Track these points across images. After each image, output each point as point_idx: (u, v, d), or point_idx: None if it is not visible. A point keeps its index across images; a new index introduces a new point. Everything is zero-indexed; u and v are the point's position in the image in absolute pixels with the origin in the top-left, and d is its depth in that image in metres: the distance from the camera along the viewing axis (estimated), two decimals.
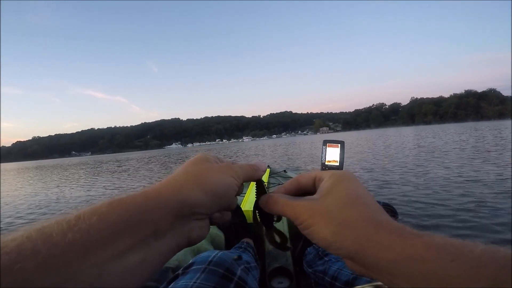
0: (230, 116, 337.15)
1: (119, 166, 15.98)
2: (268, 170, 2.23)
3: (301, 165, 7.44)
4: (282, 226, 1.07)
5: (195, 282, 0.47)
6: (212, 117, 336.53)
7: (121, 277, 0.19)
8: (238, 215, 1.06)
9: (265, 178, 1.83)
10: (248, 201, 1.28)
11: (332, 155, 1.28)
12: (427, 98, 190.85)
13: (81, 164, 28.47)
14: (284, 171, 2.35)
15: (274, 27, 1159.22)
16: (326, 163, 1.28)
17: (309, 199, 0.27)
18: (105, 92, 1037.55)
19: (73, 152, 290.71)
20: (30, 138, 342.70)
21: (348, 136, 39.30)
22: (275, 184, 1.79)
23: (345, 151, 1.28)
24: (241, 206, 1.12)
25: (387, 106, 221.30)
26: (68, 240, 0.17)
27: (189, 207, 0.23)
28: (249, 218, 1.12)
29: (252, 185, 1.60)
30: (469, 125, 41.65)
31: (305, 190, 0.30)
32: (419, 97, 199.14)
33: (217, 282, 0.49)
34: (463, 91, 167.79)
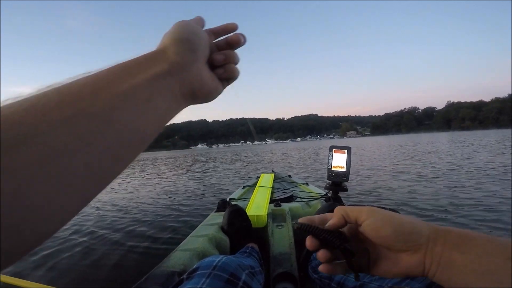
0: (254, 118, 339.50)
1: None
2: (272, 175, 2.26)
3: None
4: (287, 231, 1.07)
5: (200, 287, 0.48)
6: (236, 119, 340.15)
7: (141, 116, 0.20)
8: (243, 220, 1.08)
9: (269, 182, 1.84)
10: (253, 206, 1.28)
11: (339, 160, 1.24)
12: (465, 102, 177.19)
13: None
14: (289, 176, 2.34)
15: (302, 28, 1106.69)
16: (333, 169, 1.25)
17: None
18: None
19: None
20: None
21: (374, 141, 36.76)
22: (280, 189, 1.78)
23: (351, 157, 1.24)
24: (246, 211, 1.13)
25: (420, 110, 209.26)
26: (80, 82, 0.18)
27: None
28: (254, 222, 1.13)
29: (257, 190, 1.63)
30: None
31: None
32: (456, 101, 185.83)
33: (222, 287, 0.50)
34: (507, 95, 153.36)
